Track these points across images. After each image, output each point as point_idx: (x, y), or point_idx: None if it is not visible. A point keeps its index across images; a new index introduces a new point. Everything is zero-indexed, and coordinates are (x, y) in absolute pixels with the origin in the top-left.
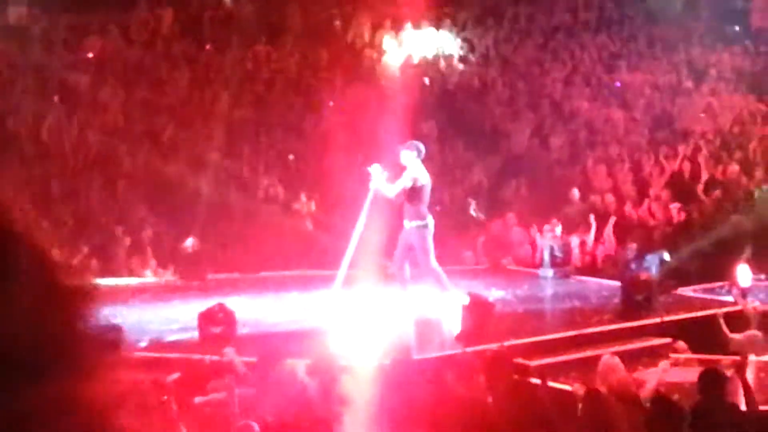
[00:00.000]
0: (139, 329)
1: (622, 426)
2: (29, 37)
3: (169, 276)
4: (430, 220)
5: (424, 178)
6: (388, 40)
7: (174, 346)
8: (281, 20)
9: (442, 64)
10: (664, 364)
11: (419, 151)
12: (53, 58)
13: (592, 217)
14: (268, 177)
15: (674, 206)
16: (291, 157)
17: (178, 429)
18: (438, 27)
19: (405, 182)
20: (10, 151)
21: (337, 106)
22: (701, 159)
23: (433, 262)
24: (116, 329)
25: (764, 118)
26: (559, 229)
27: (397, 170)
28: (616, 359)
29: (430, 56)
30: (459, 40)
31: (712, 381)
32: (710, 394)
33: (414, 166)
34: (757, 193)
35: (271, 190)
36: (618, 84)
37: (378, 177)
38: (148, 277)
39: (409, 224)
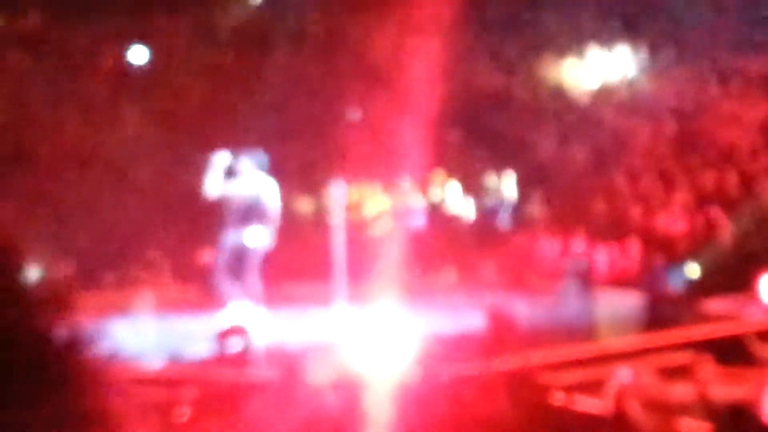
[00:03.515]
0: (156, 345)
1: None
2: (44, 46)
3: (186, 289)
4: (249, 237)
5: (253, 193)
6: (413, 48)
7: (192, 363)
8: (302, 27)
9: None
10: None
11: (260, 163)
12: (69, 66)
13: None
14: (289, 187)
15: (704, 216)
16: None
17: None
18: (462, 33)
19: (230, 189)
20: (24, 164)
21: (360, 115)
22: (729, 168)
23: (222, 280)
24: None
25: None
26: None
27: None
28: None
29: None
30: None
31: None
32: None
33: (248, 178)
34: None
35: (293, 200)
36: (643, 92)
37: (218, 170)
38: (166, 291)
39: (224, 236)
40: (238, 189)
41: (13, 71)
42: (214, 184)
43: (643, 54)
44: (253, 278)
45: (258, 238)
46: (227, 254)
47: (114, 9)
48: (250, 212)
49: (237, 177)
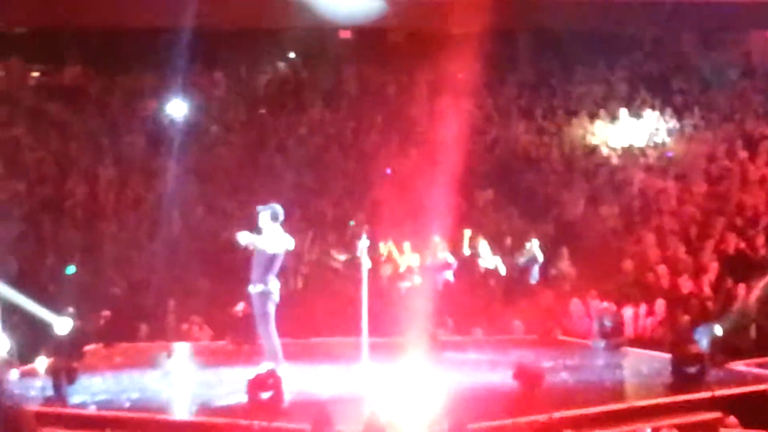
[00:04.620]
0: (189, 393)
1: None
2: (84, 98)
3: (220, 341)
4: (274, 287)
5: (278, 246)
6: (446, 107)
7: (223, 411)
8: (337, 85)
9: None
10: None
11: (276, 216)
12: (107, 118)
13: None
14: (321, 241)
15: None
16: (351, 223)
17: None
18: (494, 94)
19: (256, 246)
20: (64, 215)
21: (393, 171)
22: (755, 232)
23: (272, 331)
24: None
25: None
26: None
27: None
28: None
29: (488, 123)
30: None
31: None
32: None
33: (269, 232)
34: None
35: (324, 254)
36: (670, 154)
37: (247, 238)
38: (200, 342)
39: (252, 289)
40: (261, 243)
41: (53, 122)
42: (250, 241)
43: (672, 116)
44: (274, 328)
45: (276, 289)
46: (260, 306)
47: (153, 63)
48: (271, 265)
49: (260, 232)
